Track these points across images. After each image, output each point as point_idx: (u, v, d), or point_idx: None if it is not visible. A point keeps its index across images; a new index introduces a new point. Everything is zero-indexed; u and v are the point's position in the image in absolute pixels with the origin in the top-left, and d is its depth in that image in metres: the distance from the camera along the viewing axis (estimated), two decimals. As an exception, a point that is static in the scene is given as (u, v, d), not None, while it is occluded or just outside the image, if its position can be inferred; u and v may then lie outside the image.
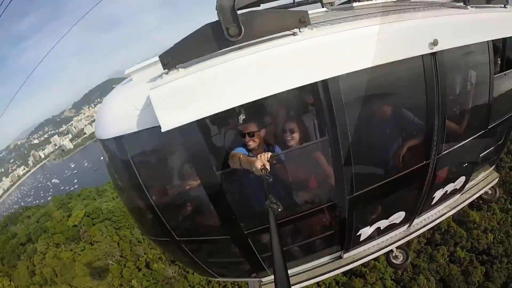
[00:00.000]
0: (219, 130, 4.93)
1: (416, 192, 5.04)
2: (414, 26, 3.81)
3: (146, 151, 4.24)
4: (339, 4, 6.70)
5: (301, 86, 3.46)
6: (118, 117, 3.79)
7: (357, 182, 4.20)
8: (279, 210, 2.33)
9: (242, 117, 4.34)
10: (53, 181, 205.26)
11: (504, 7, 4.69)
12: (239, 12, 3.20)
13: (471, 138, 4.93)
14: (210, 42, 3.27)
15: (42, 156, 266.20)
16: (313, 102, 3.96)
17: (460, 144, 4.84)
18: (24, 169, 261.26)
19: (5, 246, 68.28)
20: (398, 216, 5.23)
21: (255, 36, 3.36)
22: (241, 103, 3.49)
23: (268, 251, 4.71)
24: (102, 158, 4.34)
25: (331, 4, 6.31)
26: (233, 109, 3.79)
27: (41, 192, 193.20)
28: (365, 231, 5.07)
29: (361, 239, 5.18)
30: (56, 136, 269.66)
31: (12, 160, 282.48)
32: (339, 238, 5.06)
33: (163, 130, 3.30)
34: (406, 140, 4.51)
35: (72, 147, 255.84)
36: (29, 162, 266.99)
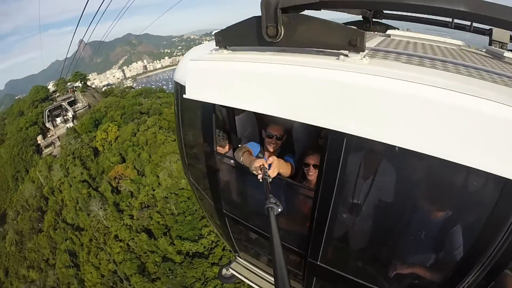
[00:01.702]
0: (241, 117, 4.96)
1: None
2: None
3: (185, 104, 4.51)
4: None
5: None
6: (182, 68, 4.06)
7: (324, 253, 3.41)
8: (279, 210, 2.24)
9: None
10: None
11: None
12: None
13: None
14: (251, 35, 3.13)
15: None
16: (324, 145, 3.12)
17: None
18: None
19: (129, 107, 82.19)
20: None
21: (295, 44, 2.98)
22: (247, 109, 3.42)
23: (240, 236, 4.95)
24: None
25: (502, 44, 4.90)
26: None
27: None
28: None
29: None
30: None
31: (180, 47, 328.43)
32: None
33: (185, 96, 3.59)
34: (419, 260, 3.06)
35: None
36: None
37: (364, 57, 2.72)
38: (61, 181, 71.76)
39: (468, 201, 2.67)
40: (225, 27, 3.41)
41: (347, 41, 2.65)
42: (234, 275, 5.78)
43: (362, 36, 2.61)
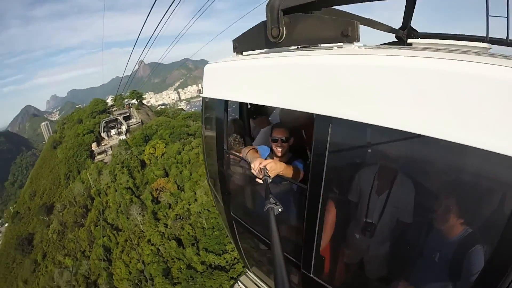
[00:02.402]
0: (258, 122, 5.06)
1: None
2: None
3: (207, 107, 4.52)
4: None
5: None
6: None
7: (316, 266, 3.03)
8: (279, 210, 2.08)
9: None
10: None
11: None
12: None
13: None
14: (260, 39, 3.17)
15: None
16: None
17: None
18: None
19: (178, 128, 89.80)
20: None
21: (296, 42, 3.00)
22: (253, 102, 3.80)
23: (250, 250, 4.83)
24: None
25: None
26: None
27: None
28: None
29: None
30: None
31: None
32: None
33: (202, 95, 4.07)
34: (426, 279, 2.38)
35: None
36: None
37: (359, 47, 2.52)
38: (108, 185, 79.48)
39: (486, 209, 2.04)
40: (241, 34, 3.51)
41: (340, 33, 2.55)
42: None
43: (354, 26, 2.48)
